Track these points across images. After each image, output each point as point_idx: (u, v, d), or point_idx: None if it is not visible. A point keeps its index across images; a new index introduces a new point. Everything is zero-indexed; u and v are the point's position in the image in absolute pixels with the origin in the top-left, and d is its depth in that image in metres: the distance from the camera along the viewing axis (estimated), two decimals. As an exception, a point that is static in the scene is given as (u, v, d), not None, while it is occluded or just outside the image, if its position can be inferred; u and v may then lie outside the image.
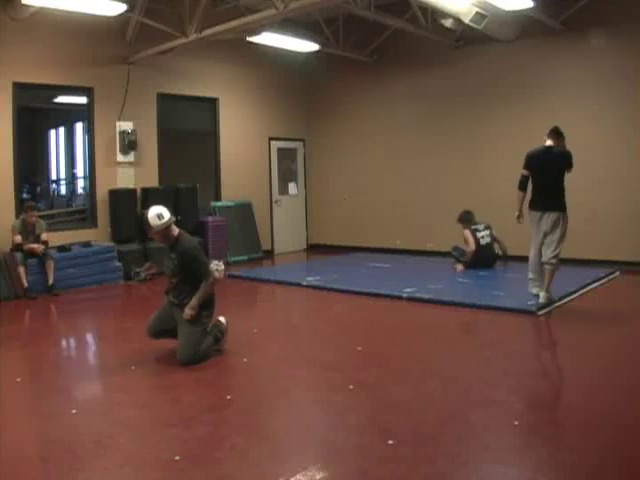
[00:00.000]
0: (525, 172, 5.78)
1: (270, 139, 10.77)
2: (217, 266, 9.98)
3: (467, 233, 7.93)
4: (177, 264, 4.37)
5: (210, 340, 4.42)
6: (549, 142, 5.77)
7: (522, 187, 5.81)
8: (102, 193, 8.33)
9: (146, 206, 8.54)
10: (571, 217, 5.84)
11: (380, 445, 2.92)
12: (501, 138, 8.98)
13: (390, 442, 2.93)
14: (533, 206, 5.72)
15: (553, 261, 5.60)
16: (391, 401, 3.54)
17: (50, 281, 6.97)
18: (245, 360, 4.46)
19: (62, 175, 12.73)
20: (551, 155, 5.71)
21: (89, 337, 5.19)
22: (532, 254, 5.82)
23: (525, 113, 8.69)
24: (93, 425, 3.25)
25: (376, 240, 10.18)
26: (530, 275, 5.90)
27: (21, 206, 7.37)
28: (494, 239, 8.05)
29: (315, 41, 9.00)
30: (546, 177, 5.64)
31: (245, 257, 9.86)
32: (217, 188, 9.96)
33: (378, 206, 10.35)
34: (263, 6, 7.37)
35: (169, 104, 9.18)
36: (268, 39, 8.43)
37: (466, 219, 8.14)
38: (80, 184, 11.61)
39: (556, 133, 5.78)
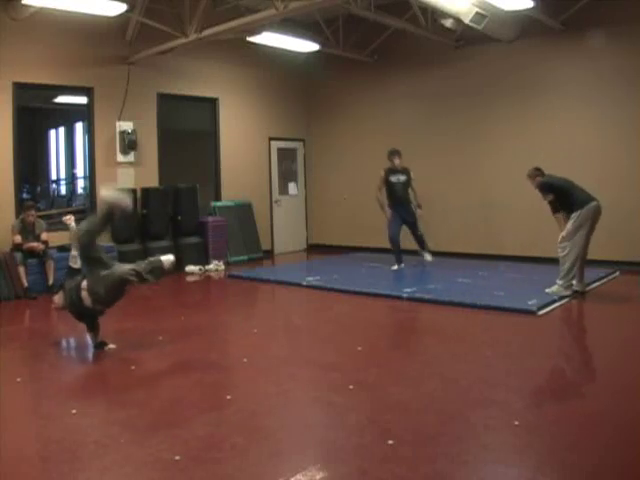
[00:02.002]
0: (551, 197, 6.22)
1: (270, 139, 10.77)
2: (217, 266, 10.02)
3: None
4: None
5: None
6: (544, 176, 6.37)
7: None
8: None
9: (146, 206, 8.60)
10: (571, 217, 5.96)
11: (380, 445, 2.92)
12: (501, 138, 8.99)
13: (390, 442, 2.93)
14: (588, 201, 6.06)
15: None
16: (391, 401, 3.54)
17: (50, 281, 6.96)
18: (245, 360, 4.46)
19: (62, 175, 12.74)
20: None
21: (88, 337, 5.18)
22: (581, 254, 6.13)
23: (525, 113, 8.70)
24: (93, 425, 3.25)
25: (376, 240, 10.16)
26: (575, 273, 6.15)
27: (21, 206, 7.37)
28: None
29: (315, 41, 9.00)
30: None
31: (245, 257, 9.86)
32: (217, 188, 9.96)
33: (378, 206, 10.33)
34: (263, 6, 7.37)
35: (169, 104, 9.17)
36: (268, 39, 8.43)
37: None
38: (80, 184, 11.62)
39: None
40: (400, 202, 8.14)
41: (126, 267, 4.47)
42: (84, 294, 4.49)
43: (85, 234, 4.56)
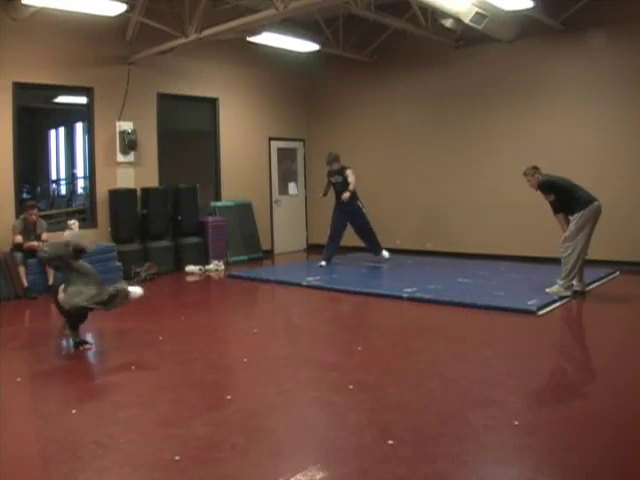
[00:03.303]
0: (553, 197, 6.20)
1: (270, 139, 10.77)
2: (217, 266, 10.03)
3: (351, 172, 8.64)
4: None
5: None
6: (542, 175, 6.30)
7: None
8: (102, 193, 8.32)
9: (146, 206, 8.60)
10: (571, 217, 5.98)
11: (380, 445, 2.92)
12: (501, 138, 8.99)
13: (390, 442, 2.93)
14: (591, 201, 6.05)
15: None
16: (391, 401, 3.54)
17: (50, 281, 6.96)
18: (245, 360, 4.46)
19: (62, 175, 12.74)
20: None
21: (88, 337, 5.19)
22: (582, 254, 6.10)
23: (525, 113, 8.70)
24: (93, 425, 3.25)
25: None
26: (575, 273, 6.14)
27: (21, 206, 7.37)
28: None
29: (315, 41, 9.00)
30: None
31: (245, 257, 9.86)
32: (217, 188, 9.96)
33: (378, 206, 10.33)
34: (263, 6, 7.37)
35: (169, 104, 9.17)
36: (268, 39, 8.43)
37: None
38: (80, 184, 11.62)
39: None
40: (340, 200, 8.71)
41: (84, 297, 4.49)
42: (62, 297, 4.61)
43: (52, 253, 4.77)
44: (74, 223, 5.43)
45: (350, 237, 10.62)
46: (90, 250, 5.02)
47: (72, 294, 4.53)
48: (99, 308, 4.54)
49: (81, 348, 4.73)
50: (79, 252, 4.73)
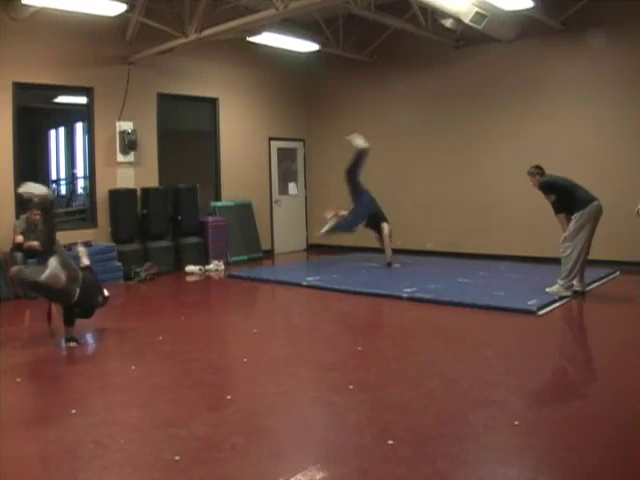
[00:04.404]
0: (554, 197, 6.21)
1: (270, 139, 10.77)
2: (217, 266, 10.03)
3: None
4: None
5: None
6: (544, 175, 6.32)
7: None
8: (102, 193, 8.33)
9: (146, 206, 8.60)
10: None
11: (380, 445, 2.92)
12: (501, 138, 8.99)
13: (390, 442, 2.93)
14: (590, 200, 6.05)
15: None
16: (391, 401, 3.54)
17: (50, 281, 6.96)
18: (245, 360, 4.46)
19: (62, 175, 12.73)
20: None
21: (88, 337, 5.19)
22: (583, 254, 6.08)
23: (525, 113, 8.70)
24: (93, 425, 3.25)
25: (376, 240, 10.18)
26: (576, 273, 6.12)
27: (21, 206, 7.36)
28: None
29: (315, 41, 9.01)
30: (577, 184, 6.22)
31: (245, 257, 9.86)
32: (217, 188, 9.96)
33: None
34: (263, 6, 7.37)
35: (169, 104, 9.17)
36: (268, 39, 8.44)
37: None
38: (80, 184, 11.61)
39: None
40: None
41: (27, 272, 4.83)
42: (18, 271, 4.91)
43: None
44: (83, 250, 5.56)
45: (351, 237, 10.64)
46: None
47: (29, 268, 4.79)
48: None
49: (68, 345, 4.76)
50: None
